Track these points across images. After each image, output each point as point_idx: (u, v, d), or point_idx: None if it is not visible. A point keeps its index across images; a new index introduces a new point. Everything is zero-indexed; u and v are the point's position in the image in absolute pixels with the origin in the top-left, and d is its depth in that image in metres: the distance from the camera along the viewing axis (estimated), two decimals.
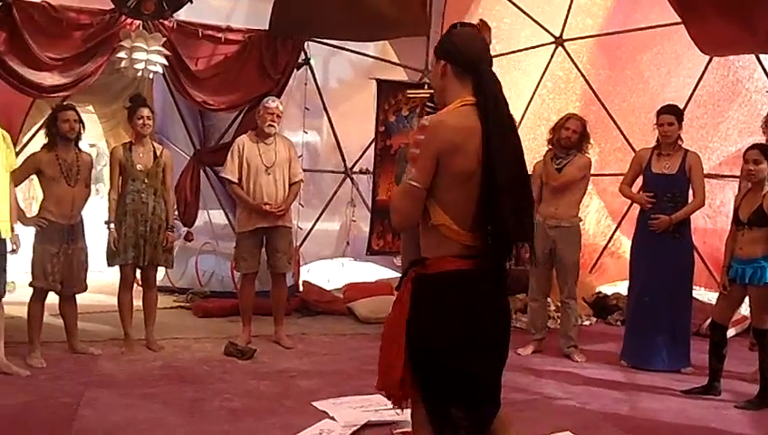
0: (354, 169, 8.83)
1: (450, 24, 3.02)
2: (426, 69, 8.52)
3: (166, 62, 6.91)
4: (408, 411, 4.82)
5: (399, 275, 7.82)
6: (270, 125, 6.40)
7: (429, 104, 3.06)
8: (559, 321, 6.96)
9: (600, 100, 8.75)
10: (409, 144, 2.87)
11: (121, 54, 6.70)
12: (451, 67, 2.86)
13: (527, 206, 2.87)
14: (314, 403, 4.99)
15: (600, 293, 8.72)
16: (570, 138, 6.33)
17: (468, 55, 2.85)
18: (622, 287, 8.15)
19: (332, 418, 4.71)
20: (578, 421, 4.82)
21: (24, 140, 7.82)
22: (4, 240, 5.31)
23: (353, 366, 6.06)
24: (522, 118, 8.99)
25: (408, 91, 8.04)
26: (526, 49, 8.76)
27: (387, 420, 4.65)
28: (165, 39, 6.88)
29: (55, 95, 6.84)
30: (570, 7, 8.48)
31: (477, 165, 2.74)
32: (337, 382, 5.55)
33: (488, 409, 2.93)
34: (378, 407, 4.92)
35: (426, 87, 8.12)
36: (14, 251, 5.46)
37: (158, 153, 6.29)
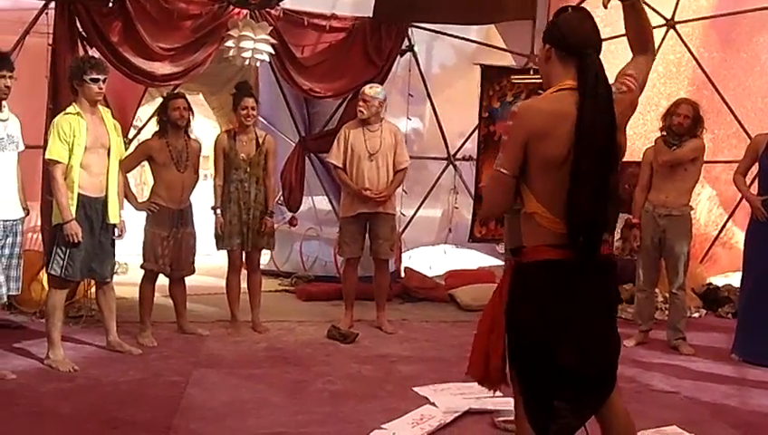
0: (457, 156, 8.77)
1: (558, 9, 2.95)
2: (531, 53, 8.37)
3: (272, 51, 7.00)
4: (510, 400, 4.79)
5: (501, 262, 7.79)
6: (359, 111, 6.44)
7: (540, 91, 3.01)
8: (666, 312, 6.75)
9: (713, 84, 8.41)
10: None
11: (229, 43, 6.82)
12: (555, 51, 2.82)
13: (609, 194, 2.73)
14: (415, 389, 5.00)
15: (710, 284, 8.42)
16: (682, 124, 6.10)
17: (572, 40, 2.79)
18: (734, 279, 7.84)
19: (433, 404, 4.70)
20: (685, 416, 4.67)
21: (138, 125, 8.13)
22: (114, 225, 5.52)
23: (454, 353, 6.03)
24: None
25: (513, 77, 7.93)
26: None
27: (488, 409, 4.61)
28: (271, 28, 6.97)
29: (167, 84, 7.04)
30: None
31: (568, 152, 2.66)
32: (438, 369, 5.54)
33: (590, 399, 2.87)
34: (479, 395, 4.88)
35: (531, 72, 7.98)
36: (119, 236, 5.66)
37: (261, 141, 6.40)
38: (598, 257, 2.76)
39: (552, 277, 2.74)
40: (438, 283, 8.42)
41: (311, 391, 4.96)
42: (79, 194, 5.22)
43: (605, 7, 2.93)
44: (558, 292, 2.73)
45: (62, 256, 5.25)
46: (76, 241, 5.19)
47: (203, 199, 6.62)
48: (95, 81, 5.24)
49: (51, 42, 6.36)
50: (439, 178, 8.82)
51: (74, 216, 5.18)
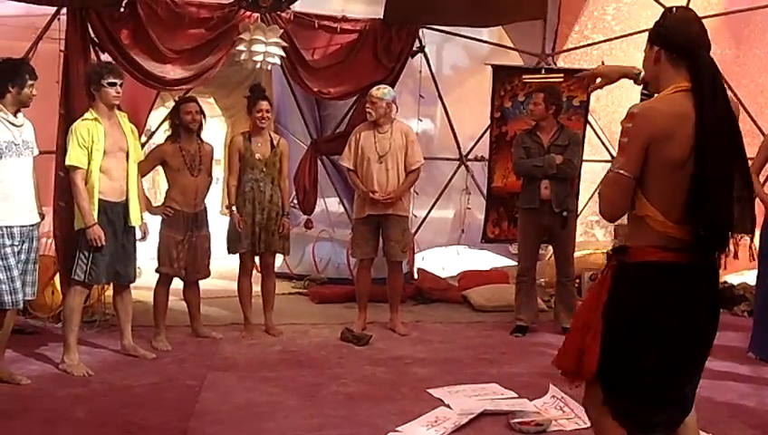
0: (469, 157, 8.75)
1: (664, 9, 2.96)
2: (542, 53, 8.35)
3: (283, 54, 7.00)
4: (524, 401, 4.78)
5: (515, 263, 7.77)
6: (368, 113, 6.44)
7: (644, 91, 3.00)
8: None
9: (726, 81, 8.33)
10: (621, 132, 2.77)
11: (241, 47, 6.81)
12: (665, 53, 2.80)
13: (743, 196, 2.77)
14: (430, 390, 5.00)
15: (725, 282, 8.35)
16: None
17: (683, 40, 2.78)
18: (749, 277, 7.78)
19: (448, 406, 4.69)
20: (702, 416, 4.56)
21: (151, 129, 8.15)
22: (134, 228, 5.54)
23: (468, 355, 6.03)
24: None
25: (525, 76, 7.89)
26: (647, 30, 8.40)
27: (503, 410, 4.60)
28: (282, 31, 6.97)
29: (178, 88, 7.05)
30: None
31: (689, 154, 2.66)
32: (452, 370, 5.53)
33: (675, 411, 2.88)
34: (494, 396, 4.89)
35: (542, 71, 7.96)
36: (143, 238, 5.70)
37: (276, 143, 6.42)
38: (710, 261, 2.77)
39: (660, 279, 2.74)
40: (452, 284, 8.40)
41: (325, 394, 4.96)
42: (100, 199, 5.26)
43: None
44: (666, 294, 2.73)
45: (86, 260, 5.29)
46: (99, 245, 5.22)
47: (217, 203, 6.62)
48: (112, 85, 5.30)
49: (63, 47, 6.39)
50: (451, 178, 8.79)
51: (96, 220, 5.21)
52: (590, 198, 9.13)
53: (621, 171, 2.72)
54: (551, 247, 7.30)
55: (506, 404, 4.72)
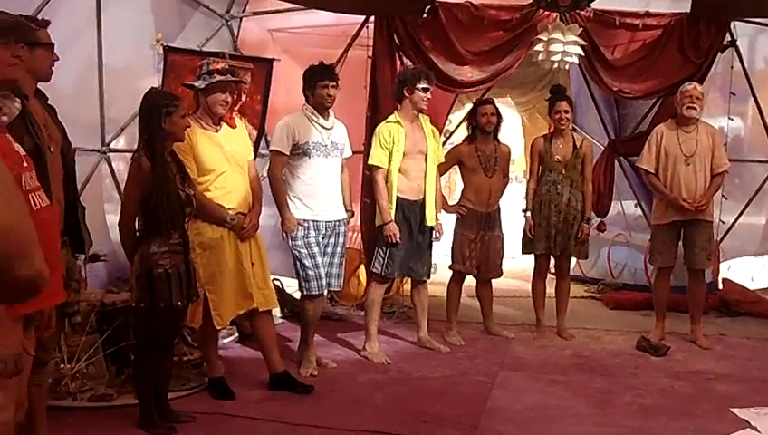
0: None
1: None
2: None
3: (582, 53, 6.87)
4: None
5: None
6: (690, 107, 6.05)
7: None
8: None
9: None
10: None
11: (538, 47, 6.79)
12: None
13: None
14: (734, 410, 4.64)
15: None
16: None
17: None
18: None
19: (755, 428, 4.33)
20: None
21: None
22: (431, 227, 5.74)
23: None
24: None
25: None
26: None
27: None
28: (581, 29, 6.84)
29: (474, 89, 7.18)
30: None
31: None
32: (760, 390, 5.10)
33: None
34: None
35: None
36: (437, 238, 5.89)
37: (578, 144, 6.31)
38: None
39: None
40: (762, 297, 7.76)
41: (618, 404, 4.81)
42: (397, 197, 5.52)
43: None
44: None
45: (383, 255, 5.59)
46: (394, 241, 5.49)
47: (512, 203, 6.66)
48: (425, 90, 5.55)
49: (370, 54, 6.77)
50: (765, 182, 8.10)
51: (393, 218, 5.47)
52: None
53: None
54: None
55: None
